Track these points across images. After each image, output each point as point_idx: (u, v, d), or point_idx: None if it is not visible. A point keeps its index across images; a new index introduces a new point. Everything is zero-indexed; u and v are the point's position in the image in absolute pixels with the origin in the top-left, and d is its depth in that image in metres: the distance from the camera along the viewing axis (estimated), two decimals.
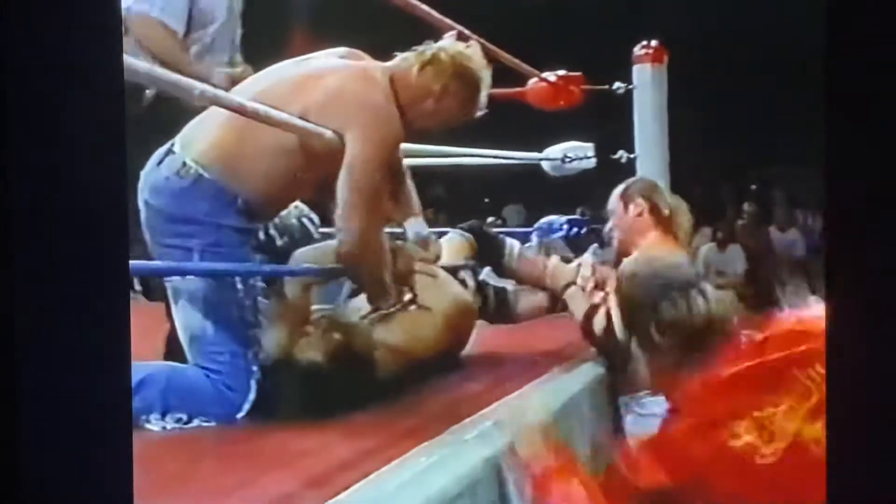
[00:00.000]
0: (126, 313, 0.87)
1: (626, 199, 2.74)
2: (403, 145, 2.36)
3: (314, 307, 2.15)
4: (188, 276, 1.98)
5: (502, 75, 3.38)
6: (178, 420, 1.90)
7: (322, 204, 2.29)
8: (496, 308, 2.63)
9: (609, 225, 2.76)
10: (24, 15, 0.81)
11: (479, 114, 2.23)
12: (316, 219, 2.35)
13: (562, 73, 3.65)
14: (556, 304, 2.72)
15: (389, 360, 2.14)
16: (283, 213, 2.23)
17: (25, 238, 0.82)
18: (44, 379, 0.83)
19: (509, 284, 2.74)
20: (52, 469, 0.84)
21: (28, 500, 0.82)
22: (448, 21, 2.51)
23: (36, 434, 0.83)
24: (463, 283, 2.58)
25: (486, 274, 2.69)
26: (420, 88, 2.13)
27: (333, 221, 2.07)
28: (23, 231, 0.82)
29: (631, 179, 2.93)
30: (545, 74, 3.64)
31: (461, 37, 2.32)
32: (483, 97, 2.20)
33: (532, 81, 3.66)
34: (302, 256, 2.21)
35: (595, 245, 3.39)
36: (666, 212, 2.76)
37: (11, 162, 0.81)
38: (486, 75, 2.20)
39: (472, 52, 2.20)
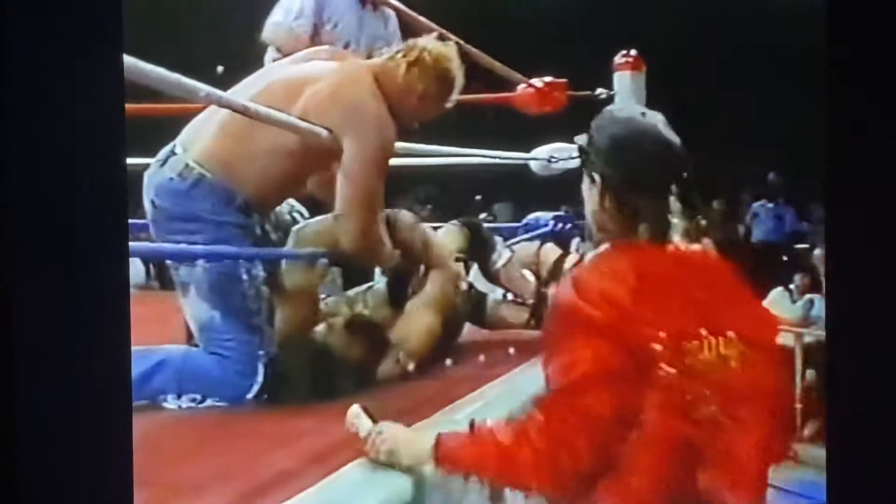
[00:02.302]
0: (125, 308, 0.89)
1: None
2: (401, 145, 2.45)
3: (323, 296, 2.23)
4: (195, 270, 2.06)
5: (493, 82, 3.52)
6: (193, 400, 2.02)
7: (312, 199, 2.41)
8: (471, 308, 2.72)
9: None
10: (25, 15, 0.82)
11: (449, 106, 2.34)
12: (305, 212, 2.47)
13: (548, 79, 3.70)
14: (532, 319, 2.80)
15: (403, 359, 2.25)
16: (278, 208, 2.32)
17: (25, 236, 0.84)
18: (43, 375, 0.86)
19: (494, 292, 2.83)
20: (51, 460, 0.88)
21: (28, 488, 0.87)
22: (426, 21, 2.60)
23: (35, 426, 0.86)
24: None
25: (475, 276, 2.79)
26: (405, 87, 2.22)
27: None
28: (23, 230, 0.84)
29: None
30: (533, 81, 3.69)
31: (440, 37, 2.41)
32: (455, 94, 2.32)
33: (520, 87, 3.71)
34: (304, 233, 2.26)
35: (577, 239, 3.52)
36: None
37: (11, 162, 0.83)
38: (460, 75, 2.31)
39: (451, 52, 2.31)
